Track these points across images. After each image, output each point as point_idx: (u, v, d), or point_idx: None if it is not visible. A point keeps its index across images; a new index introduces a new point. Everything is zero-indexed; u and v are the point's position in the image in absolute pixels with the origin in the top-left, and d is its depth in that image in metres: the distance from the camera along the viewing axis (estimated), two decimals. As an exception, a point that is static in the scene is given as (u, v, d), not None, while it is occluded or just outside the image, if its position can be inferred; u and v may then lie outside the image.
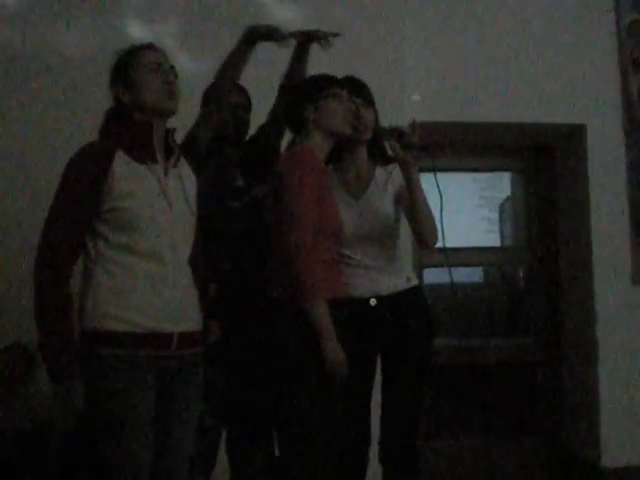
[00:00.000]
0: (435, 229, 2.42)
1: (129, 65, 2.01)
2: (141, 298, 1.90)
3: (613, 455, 3.83)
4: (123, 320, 1.87)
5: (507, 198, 4.52)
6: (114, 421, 1.84)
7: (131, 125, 1.98)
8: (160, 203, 1.95)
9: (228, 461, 2.70)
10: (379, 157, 2.54)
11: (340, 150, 2.48)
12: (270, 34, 2.48)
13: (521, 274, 4.53)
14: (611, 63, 4.03)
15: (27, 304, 3.19)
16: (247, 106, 2.75)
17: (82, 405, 1.81)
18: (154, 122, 1.99)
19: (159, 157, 2.00)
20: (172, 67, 2.04)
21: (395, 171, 2.47)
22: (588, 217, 3.97)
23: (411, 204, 2.39)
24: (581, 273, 4.04)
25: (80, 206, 1.87)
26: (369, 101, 2.49)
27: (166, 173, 2.00)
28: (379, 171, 2.52)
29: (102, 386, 1.84)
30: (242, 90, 2.72)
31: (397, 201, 2.49)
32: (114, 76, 2.03)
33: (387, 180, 2.50)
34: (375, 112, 2.50)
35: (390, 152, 2.40)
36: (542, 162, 4.40)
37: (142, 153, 1.96)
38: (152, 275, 1.91)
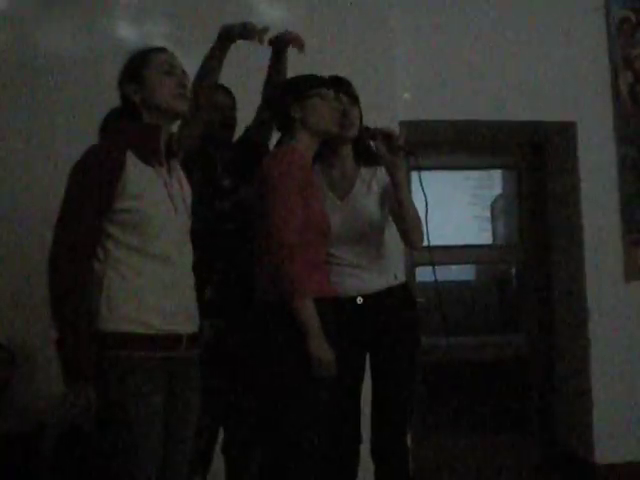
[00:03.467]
0: (421, 230, 2.42)
1: (143, 65, 1.99)
2: (155, 300, 1.89)
3: (606, 451, 3.83)
4: (139, 322, 1.86)
5: (498, 196, 4.53)
6: (129, 423, 1.82)
7: (140, 126, 1.98)
8: (167, 206, 1.96)
9: (224, 462, 2.69)
10: (365, 157, 2.53)
11: (325, 150, 2.48)
12: (245, 33, 2.41)
13: (513, 272, 4.54)
14: (601, 60, 4.04)
15: (7, 304, 3.22)
16: (233, 106, 2.76)
17: (94, 407, 1.79)
18: (163, 124, 1.99)
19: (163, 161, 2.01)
20: (184, 71, 2.03)
21: (380, 170, 2.48)
22: (579, 214, 3.97)
23: (397, 205, 2.40)
24: (573, 270, 4.05)
25: (97, 204, 1.85)
26: (354, 99, 2.50)
27: (169, 176, 2.00)
28: (364, 171, 2.52)
29: (116, 388, 1.82)
30: (227, 90, 2.73)
31: (383, 201, 2.50)
32: (125, 75, 2.01)
33: (372, 179, 2.51)
34: (360, 111, 2.51)
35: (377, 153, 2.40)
36: (533, 160, 4.41)
37: (150, 155, 1.96)
38: (162, 277, 1.92)
